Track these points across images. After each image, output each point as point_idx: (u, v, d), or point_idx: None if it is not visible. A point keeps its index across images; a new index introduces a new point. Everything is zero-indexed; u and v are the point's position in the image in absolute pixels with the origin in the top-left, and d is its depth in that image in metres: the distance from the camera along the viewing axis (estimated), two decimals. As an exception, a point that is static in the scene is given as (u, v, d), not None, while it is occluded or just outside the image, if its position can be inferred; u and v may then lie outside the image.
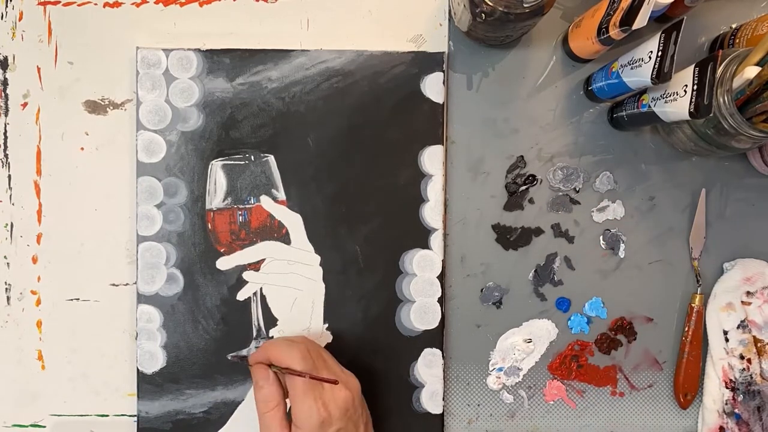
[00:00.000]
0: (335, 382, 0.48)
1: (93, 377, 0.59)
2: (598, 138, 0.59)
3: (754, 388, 0.58)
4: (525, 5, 0.48)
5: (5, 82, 0.59)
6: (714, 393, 0.59)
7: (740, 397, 0.58)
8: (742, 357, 0.58)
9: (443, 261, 0.59)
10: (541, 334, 0.60)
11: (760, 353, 0.58)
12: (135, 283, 0.58)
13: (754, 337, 0.59)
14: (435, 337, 0.59)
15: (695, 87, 0.47)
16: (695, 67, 0.48)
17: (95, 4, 0.59)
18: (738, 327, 0.58)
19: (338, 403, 0.48)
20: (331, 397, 0.48)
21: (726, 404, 0.58)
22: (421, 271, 0.58)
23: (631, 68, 0.51)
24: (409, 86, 0.58)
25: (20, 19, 0.59)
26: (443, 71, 0.58)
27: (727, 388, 0.58)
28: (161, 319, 0.58)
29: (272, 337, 0.58)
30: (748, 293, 0.59)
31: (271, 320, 0.58)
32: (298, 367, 0.48)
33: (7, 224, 0.59)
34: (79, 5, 0.59)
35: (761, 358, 0.58)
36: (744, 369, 0.58)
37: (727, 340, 0.59)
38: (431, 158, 0.58)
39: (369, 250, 0.58)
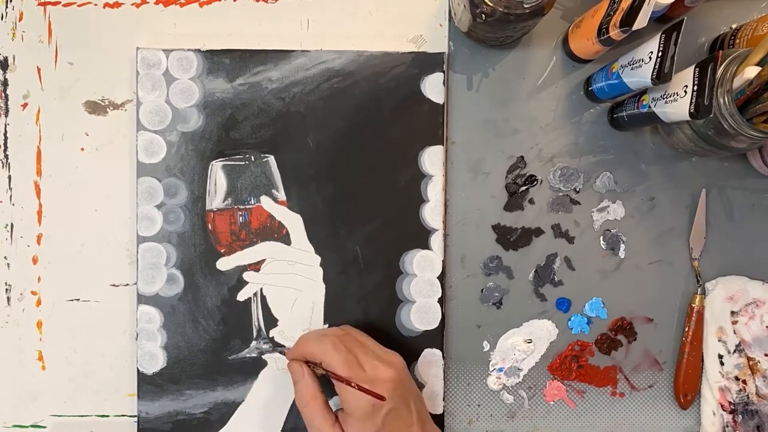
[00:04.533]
0: (358, 387, 0.48)
1: (93, 378, 0.59)
2: (598, 138, 0.59)
3: (752, 408, 0.58)
4: (525, 6, 0.48)
5: (5, 83, 0.59)
6: (710, 416, 0.59)
7: (739, 418, 0.58)
8: (737, 379, 0.58)
9: (443, 261, 0.59)
10: (541, 335, 0.60)
11: (753, 371, 0.58)
12: (135, 283, 0.58)
13: (746, 356, 0.59)
14: (435, 338, 0.59)
15: (695, 87, 0.47)
16: (695, 67, 0.48)
17: (95, 5, 0.59)
18: (734, 352, 0.58)
19: (385, 384, 0.48)
20: (376, 380, 0.48)
21: (726, 427, 0.58)
22: (422, 272, 0.58)
23: (632, 69, 0.51)
24: (410, 87, 0.58)
25: (20, 20, 0.58)
26: (443, 72, 0.58)
27: (725, 410, 0.58)
28: (161, 320, 0.58)
29: (272, 338, 0.58)
30: (732, 312, 0.59)
31: (271, 321, 0.58)
32: (332, 359, 0.49)
33: (7, 225, 0.59)
34: (79, 6, 0.59)
35: (755, 376, 0.58)
36: (740, 390, 0.58)
37: (722, 364, 0.59)
38: (431, 158, 0.58)
39: (369, 250, 0.58)
